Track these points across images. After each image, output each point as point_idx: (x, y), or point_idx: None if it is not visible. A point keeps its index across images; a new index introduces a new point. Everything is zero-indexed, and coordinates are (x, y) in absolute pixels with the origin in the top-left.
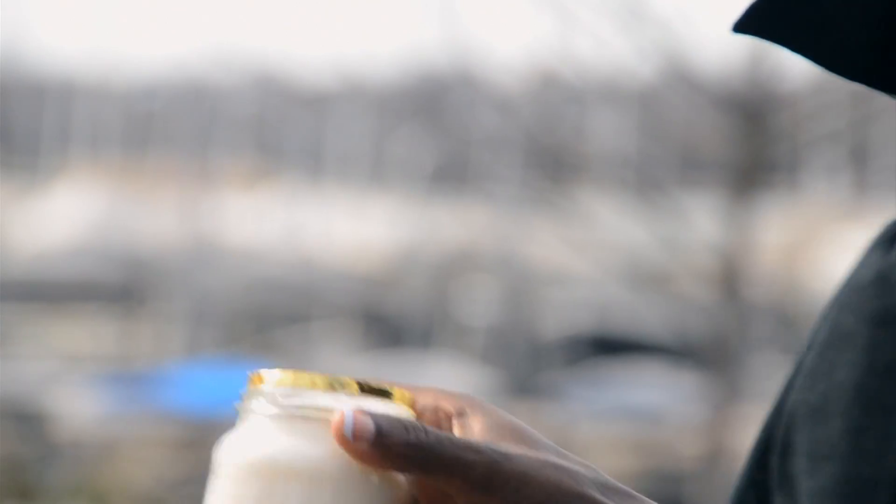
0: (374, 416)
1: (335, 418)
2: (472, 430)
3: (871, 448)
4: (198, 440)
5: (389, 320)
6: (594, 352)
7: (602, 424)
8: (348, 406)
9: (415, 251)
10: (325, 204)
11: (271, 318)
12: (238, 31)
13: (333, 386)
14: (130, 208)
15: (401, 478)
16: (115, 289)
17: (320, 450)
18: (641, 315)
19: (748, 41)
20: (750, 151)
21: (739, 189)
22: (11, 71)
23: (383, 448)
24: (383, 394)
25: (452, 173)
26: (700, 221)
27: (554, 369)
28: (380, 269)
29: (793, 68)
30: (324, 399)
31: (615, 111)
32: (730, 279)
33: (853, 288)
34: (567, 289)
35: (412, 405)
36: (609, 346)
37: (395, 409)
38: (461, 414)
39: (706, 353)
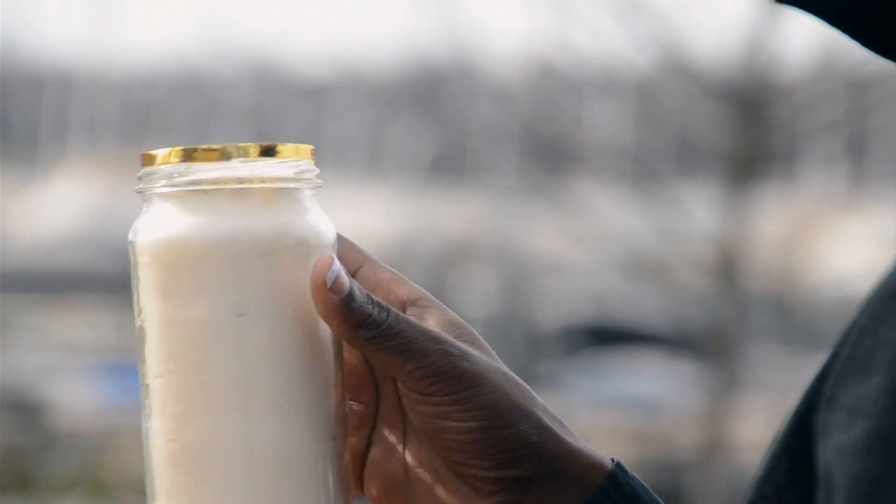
0: (350, 280)
1: (319, 265)
2: (427, 322)
3: None
4: None
5: None
6: (592, 342)
7: (600, 414)
8: (244, 172)
9: (412, 241)
10: (323, 194)
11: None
12: (235, 21)
13: (227, 154)
14: (129, 198)
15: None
16: (113, 279)
17: (229, 223)
18: (639, 305)
19: (745, 31)
20: (747, 142)
21: (737, 179)
22: (9, 62)
23: (347, 310)
24: (274, 152)
25: (450, 164)
26: (697, 212)
27: (552, 359)
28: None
29: (790, 59)
30: (218, 170)
31: (612, 102)
32: (727, 269)
33: None
34: (565, 279)
35: (311, 156)
36: (607, 336)
37: (291, 164)
38: (416, 304)
39: (704, 343)
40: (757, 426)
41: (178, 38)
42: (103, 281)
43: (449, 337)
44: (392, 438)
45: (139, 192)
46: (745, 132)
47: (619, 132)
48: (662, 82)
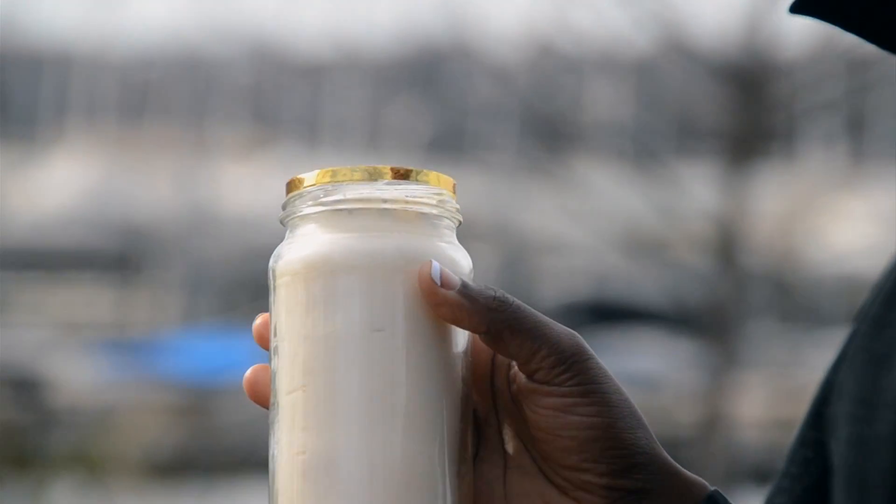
0: (458, 275)
1: (422, 269)
2: None
3: None
4: (195, 407)
5: None
6: (591, 319)
7: None
8: (389, 193)
9: None
10: None
11: (267, 287)
12: (234, 1)
13: (372, 175)
14: (127, 177)
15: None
16: (112, 257)
17: (373, 241)
18: (638, 283)
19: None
20: (747, 120)
21: (736, 158)
22: (8, 41)
23: (469, 299)
24: (418, 178)
25: (449, 142)
26: (697, 189)
27: None
28: None
29: (790, 38)
30: (365, 190)
31: (612, 81)
32: (727, 247)
33: None
34: (564, 257)
35: (453, 190)
36: (606, 314)
37: (435, 191)
38: None
39: (703, 321)
40: (756, 403)
41: (177, 18)
42: (102, 258)
43: (555, 324)
44: (493, 474)
45: (282, 221)
46: (745, 110)
47: (619, 111)
48: (662, 61)
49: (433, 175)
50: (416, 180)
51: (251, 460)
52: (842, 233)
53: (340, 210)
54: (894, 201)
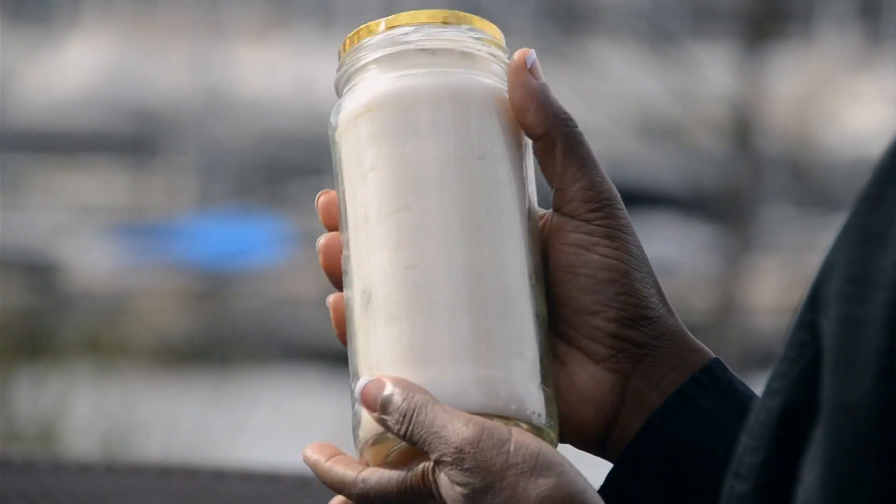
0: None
1: (518, 52)
2: None
3: None
4: (209, 291)
5: None
6: None
7: None
8: (467, 36)
9: None
10: (337, 56)
11: (283, 170)
12: None
13: (448, 20)
14: (142, 60)
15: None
16: (126, 140)
17: (462, 77)
18: (653, 167)
19: None
20: (762, 1)
21: (752, 40)
22: None
23: (545, 95)
24: (480, 26)
25: None
26: (712, 72)
27: None
28: None
29: None
30: (450, 33)
31: None
32: (742, 130)
33: None
34: None
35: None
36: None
37: (492, 38)
38: None
39: (718, 205)
40: (771, 288)
41: None
42: (117, 142)
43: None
44: None
45: (350, 71)
46: None
47: None
48: None
49: (491, 26)
50: (481, 29)
51: (266, 346)
52: (858, 116)
53: (425, 49)
54: None
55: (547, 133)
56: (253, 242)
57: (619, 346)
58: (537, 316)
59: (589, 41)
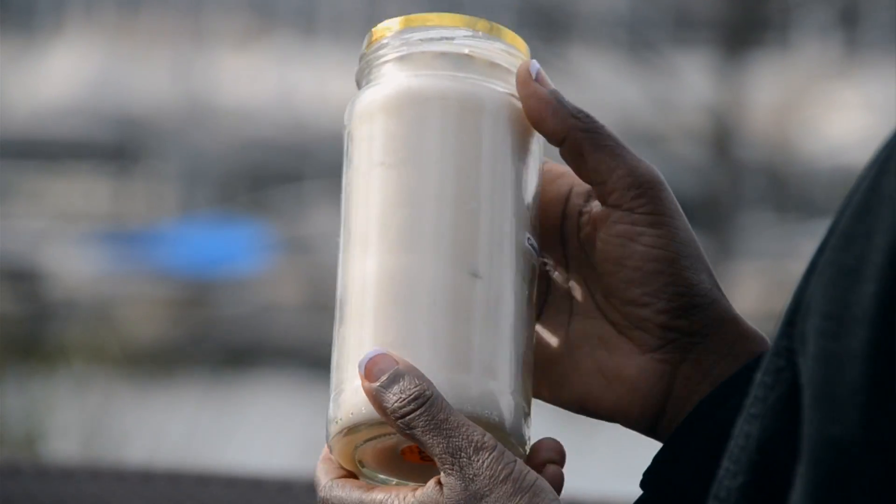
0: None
1: (521, 64)
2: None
3: None
4: (191, 298)
5: None
6: None
7: None
8: (497, 46)
9: None
10: (319, 63)
11: (265, 178)
12: None
13: (469, 24)
14: (125, 67)
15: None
16: (109, 147)
17: (470, 81)
18: None
19: None
20: (742, 10)
21: (731, 48)
22: None
23: (557, 101)
24: (499, 34)
25: None
26: (692, 80)
27: None
28: None
29: None
30: (458, 33)
31: None
32: (721, 138)
33: (894, 149)
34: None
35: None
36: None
37: (514, 51)
38: None
39: (697, 212)
40: (750, 294)
41: None
42: (99, 149)
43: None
44: (559, 321)
45: (371, 65)
46: (740, 0)
47: (615, 0)
48: None
49: (511, 34)
50: (497, 35)
51: (249, 352)
52: (836, 124)
53: (436, 52)
54: (889, 91)
55: (568, 136)
56: (235, 249)
57: (669, 336)
58: (520, 322)
59: (569, 49)
